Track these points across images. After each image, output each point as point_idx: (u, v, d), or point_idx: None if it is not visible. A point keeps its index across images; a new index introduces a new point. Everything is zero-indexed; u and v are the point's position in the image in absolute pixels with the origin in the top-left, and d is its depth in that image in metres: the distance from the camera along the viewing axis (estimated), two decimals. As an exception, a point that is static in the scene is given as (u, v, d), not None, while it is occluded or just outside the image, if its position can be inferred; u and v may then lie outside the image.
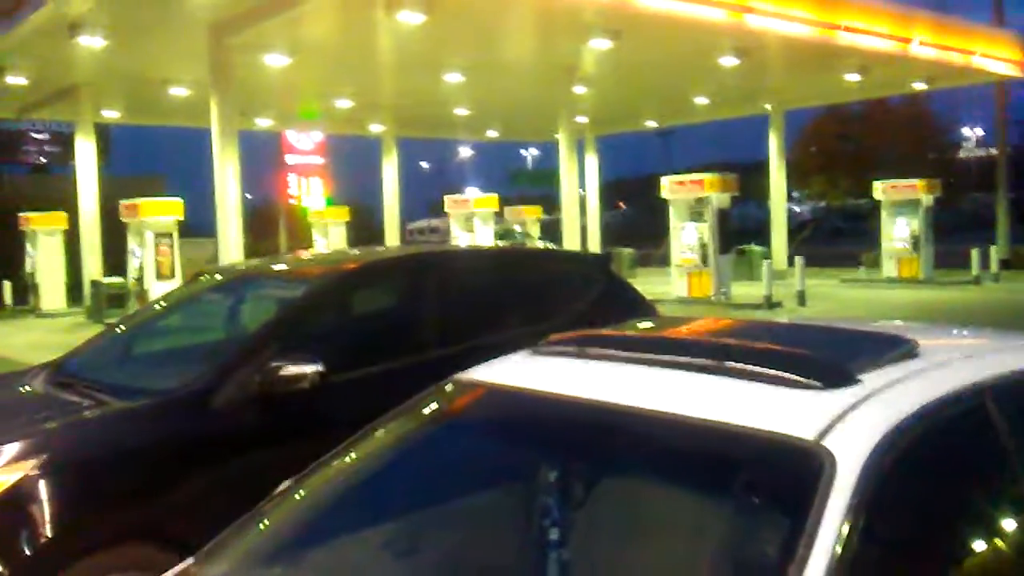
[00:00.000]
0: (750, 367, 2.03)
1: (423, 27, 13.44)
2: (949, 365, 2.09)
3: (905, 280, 20.70)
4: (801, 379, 1.94)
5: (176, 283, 16.69)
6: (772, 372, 1.99)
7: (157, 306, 5.28)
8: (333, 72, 18.63)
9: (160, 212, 17.48)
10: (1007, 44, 21.17)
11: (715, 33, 15.70)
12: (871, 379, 1.94)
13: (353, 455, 2.50)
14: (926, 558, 1.79)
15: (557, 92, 18.40)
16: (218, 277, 5.34)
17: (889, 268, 21.40)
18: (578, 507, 2.23)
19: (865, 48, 17.57)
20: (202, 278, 5.24)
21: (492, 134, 31.02)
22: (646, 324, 3.03)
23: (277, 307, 4.42)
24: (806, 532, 1.57)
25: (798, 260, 17.41)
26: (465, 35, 15.61)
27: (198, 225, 25.09)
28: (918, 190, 21.10)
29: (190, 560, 2.30)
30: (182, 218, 17.87)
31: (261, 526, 2.37)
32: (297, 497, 2.44)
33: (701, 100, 23.95)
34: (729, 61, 17.59)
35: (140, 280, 17.26)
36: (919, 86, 23.47)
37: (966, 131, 51.10)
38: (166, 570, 2.34)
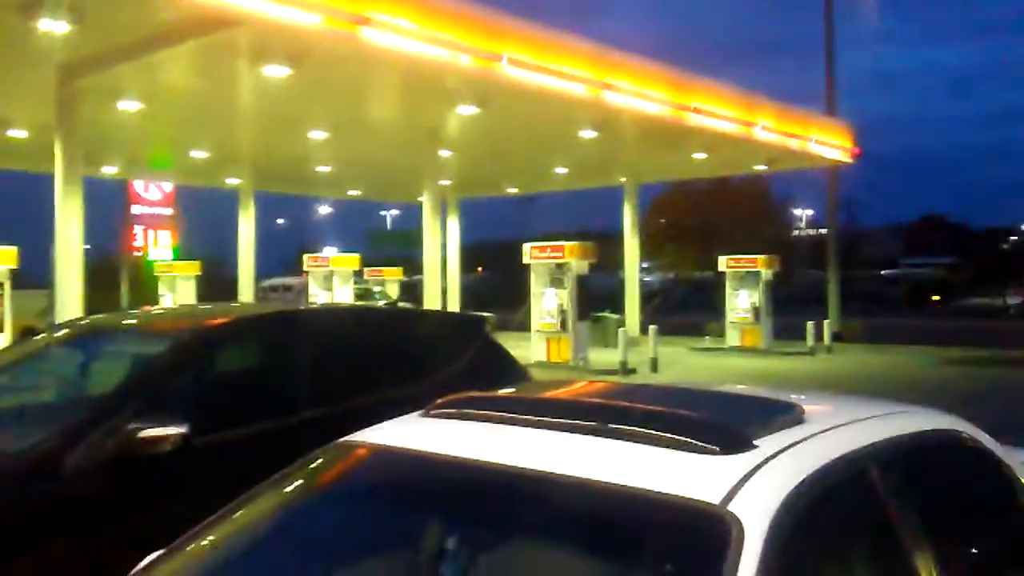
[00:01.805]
0: (648, 431, 2.04)
1: (287, 81, 13.27)
2: (835, 431, 2.18)
3: (748, 349, 21.78)
4: (699, 443, 1.97)
5: (4, 337, 15.45)
6: (671, 436, 2.01)
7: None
8: (190, 121, 18.04)
9: (-9, 260, 16.24)
10: (840, 133, 23.04)
11: (576, 107, 16.29)
12: (767, 444, 1.99)
13: (230, 524, 2.34)
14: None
15: (422, 155, 18.52)
16: (62, 332, 4.97)
17: (733, 337, 22.49)
18: (472, 573, 2.16)
19: (712, 129, 18.68)
20: (40, 336, 4.86)
21: (354, 193, 30.79)
22: (534, 387, 3.02)
23: (134, 364, 4.13)
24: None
25: (651, 328, 18.03)
26: (331, 93, 15.51)
27: (30, 276, 23.45)
28: (758, 265, 22.41)
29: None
30: (15, 267, 16.64)
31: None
32: (167, 571, 2.25)
33: (561, 170, 24.70)
34: (588, 134, 18.27)
35: (-37, 332, 15.87)
36: (760, 167, 25.10)
37: (798, 211, 55.00)
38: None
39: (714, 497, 1.78)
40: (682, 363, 18.84)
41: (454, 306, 26.83)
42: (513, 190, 31.70)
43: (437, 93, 15.25)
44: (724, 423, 2.08)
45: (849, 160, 23.65)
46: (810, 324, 21.38)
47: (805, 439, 2.06)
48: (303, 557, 2.34)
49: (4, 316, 16.04)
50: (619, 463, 1.98)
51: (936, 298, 48.19)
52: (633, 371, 16.71)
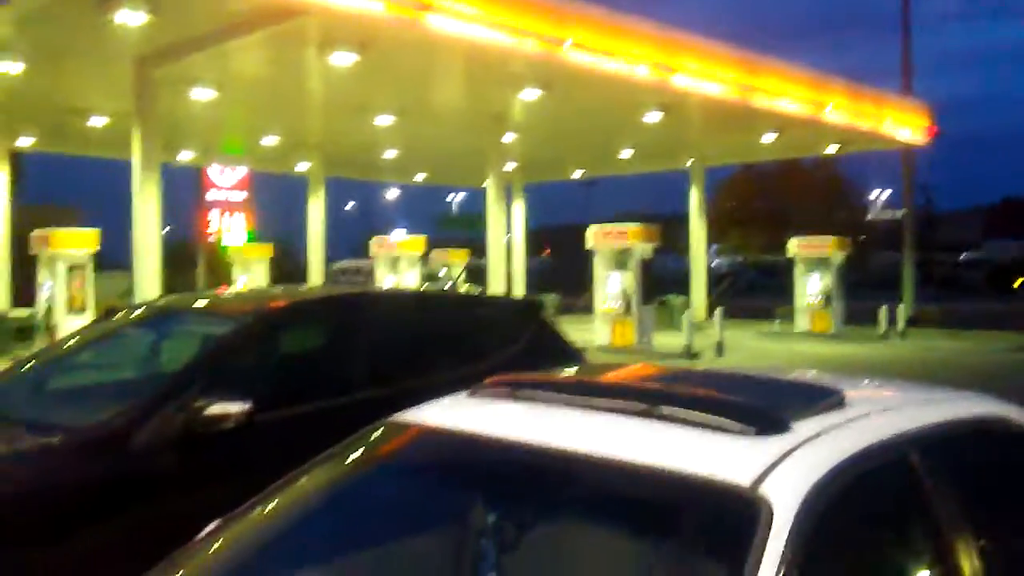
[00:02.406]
0: (686, 413, 2.08)
1: (355, 68, 13.48)
2: (875, 416, 2.17)
3: (817, 334, 21.37)
4: (736, 426, 1.99)
5: (88, 317, 16.10)
6: (707, 418, 2.03)
7: (73, 340, 5.09)
8: (261, 108, 18.48)
9: (74, 244, 16.91)
10: (915, 112, 22.35)
11: (641, 90, 16.16)
12: (803, 427, 2.00)
13: (283, 497, 2.45)
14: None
15: (486, 139, 18.61)
16: (138, 312, 5.19)
17: (802, 322, 22.07)
18: (513, 550, 2.23)
19: (781, 111, 18.32)
20: (119, 314, 5.09)
21: (420, 178, 31.09)
22: (581, 369, 3.06)
23: (203, 344, 4.31)
24: (747, 574, 1.60)
25: (717, 312, 17.83)
26: (396, 78, 15.70)
27: (113, 258, 24.34)
28: (829, 248, 21.92)
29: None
30: (97, 250, 17.31)
31: (187, 567, 2.29)
32: (223, 540, 2.37)
33: (626, 153, 24.53)
34: (653, 117, 18.11)
35: (49, 313, 16.59)
36: (831, 149, 24.52)
37: (874, 194, 53.59)
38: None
39: (745, 479, 1.81)
40: (749, 347, 18.60)
41: (519, 290, 26.95)
42: (578, 174, 31.60)
43: (501, 77, 15.30)
44: (761, 406, 2.10)
45: (924, 141, 22.92)
46: (883, 309, 20.86)
47: (842, 424, 2.06)
48: (349, 531, 2.44)
49: (87, 296, 16.69)
50: (656, 445, 2.02)
51: (1019, 282, 46.46)
52: (697, 355, 16.57)
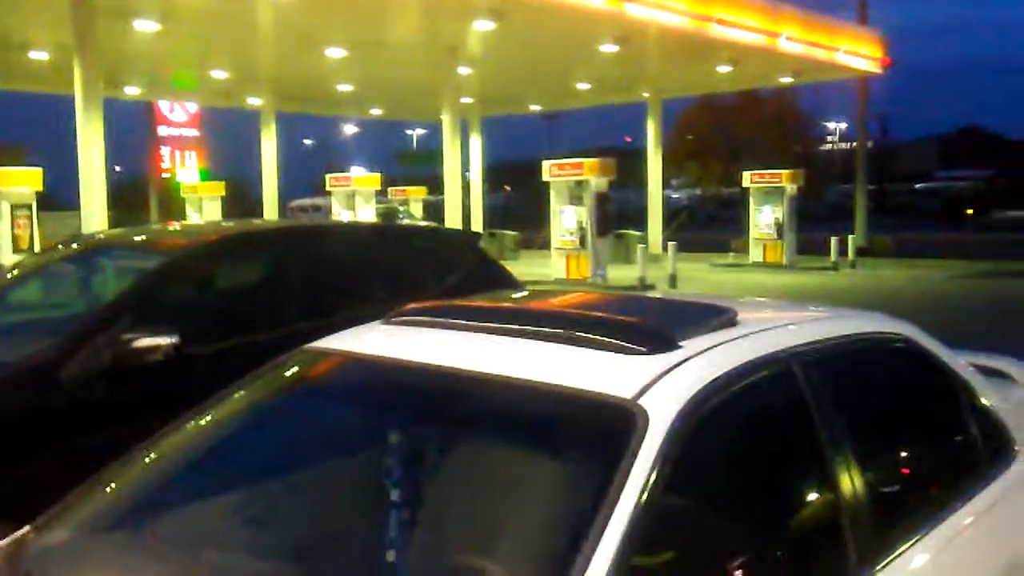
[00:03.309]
0: (583, 334, 2.15)
1: (303, -1, 13.17)
2: (761, 333, 2.26)
3: (770, 265, 21.71)
4: (627, 345, 2.07)
5: (35, 257, 15.82)
6: (602, 339, 2.11)
7: (6, 277, 5.05)
8: (208, 41, 18.00)
9: (17, 182, 16.49)
10: (869, 42, 22.40)
11: (596, 20, 15.99)
12: (691, 345, 2.09)
13: (200, 422, 2.50)
14: (728, 506, 1.95)
15: (441, 72, 18.35)
16: (72, 248, 5.15)
17: (756, 253, 22.40)
18: (425, 470, 2.31)
19: (736, 41, 18.27)
20: (57, 247, 5.03)
21: (376, 112, 30.65)
22: (493, 296, 3.13)
23: (131, 278, 4.30)
24: (617, 478, 1.70)
25: (670, 245, 18.02)
26: (348, 9, 15.37)
27: (66, 199, 23.85)
28: (783, 180, 22.13)
29: (26, 528, 2.26)
30: (41, 189, 16.92)
31: (102, 492, 2.35)
32: (141, 463, 2.42)
33: (583, 85, 24.36)
34: (609, 48, 17.97)
35: (-6, 254, 16.28)
36: (786, 79, 24.56)
37: (830, 125, 53.84)
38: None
39: (628, 392, 1.89)
40: (702, 279, 18.87)
41: (478, 225, 26.90)
42: (536, 107, 31.34)
43: (454, 8, 15.05)
44: (651, 325, 2.18)
45: (879, 71, 23.05)
46: (834, 239, 21.22)
47: (728, 340, 2.15)
48: (265, 458, 2.51)
49: (34, 236, 16.39)
50: (551, 363, 2.10)
51: (972, 211, 47.35)
52: (652, 287, 16.78)
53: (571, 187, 18.44)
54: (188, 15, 15.22)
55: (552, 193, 18.80)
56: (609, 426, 1.87)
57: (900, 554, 2.07)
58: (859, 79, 25.00)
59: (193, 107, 30.75)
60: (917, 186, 55.52)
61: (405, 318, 2.59)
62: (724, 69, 20.88)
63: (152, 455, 2.43)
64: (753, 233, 22.50)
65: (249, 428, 2.52)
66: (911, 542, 2.12)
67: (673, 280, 17.27)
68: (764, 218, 22.19)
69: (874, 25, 24.41)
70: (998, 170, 56.22)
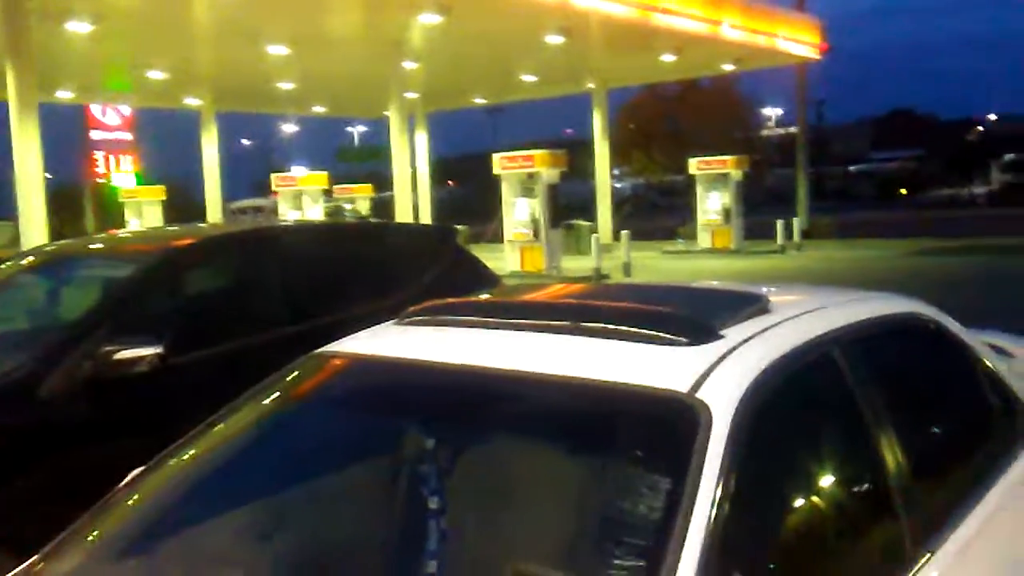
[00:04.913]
0: (618, 327, 2.08)
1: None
2: (799, 319, 2.22)
3: (719, 250, 21.97)
4: (667, 336, 2.00)
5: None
6: (639, 331, 2.04)
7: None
8: (143, 41, 17.49)
9: (-52, 192, 15.84)
10: (807, 28, 22.79)
11: (541, 11, 15.96)
12: (733, 334, 2.04)
13: (211, 437, 2.37)
14: (793, 494, 1.91)
15: (386, 67, 18.13)
16: (28, 259, 4.91)
17: (704, 239, 22.65)
18: (454, 474, 2.22)
19: (679, 29, 18.40)
20: (6, 263, 4.80)
21: (319, 109, 30.21)
22: (505, 291, 3.04)
23: (104, 288, 4.11)
24: (690, 478, 1.63)
25: (623, 234, 18.09)
26: (289, 4, 15.05)
27: (-8, 207, 23.03)
28: (728, 166, 22.41)
29: (34, 558, 2.11)
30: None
31: (111, 518, 2.20)
32: (151, 485, 2.28)
33: (529, 77, 24.33)
34: (554, 39, 17.94)
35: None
36: (728, 67, 24.85)
37: (767, 111, 54.69)
38: (4, 572, 2.14)
39: (683, 386, 1.83)
40: (654, 267, 19.01)
41: (426, 220, 26.70)
42: (481, 100, 31.23)
43: (400, 2, 14.85)
44: (691, 315, 2.12)
45: (817, 56, 23.47)
46: (780, 223, 21.55)
47: (770, 327, 2.10)
48: (285, 468, 2.39)
49: (-32, 249, 15.75)
50: (590, 359, 2.02)
51: (904, 191, 48.62)
52: (606, 277, 16.83)
53: (523, 179, 18.39)
54: (123, 15, 14.77)
55: (504, 186, 18.73)
56: (668, 422, 1.80)
57: (953, 532, 2.05)
58: (797, 65, 25.41)
59: (127, 110, 29.92)
60: (851, 168, 56.83)
61: (419, 317, 2.49)
62: (668, 58, 21.04)
63: (161, 477, 2.29)
64: (701, 219, 22.74)
65: (266, 439, 2.39)
66: (962, 519, 2.10)
67: (627, 269, 17.35)
68: (711, 204, 22.45)
69: (810, 11, 24.85)
70: (929, 150, 57.85)
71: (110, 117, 30.20)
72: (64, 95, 23.28)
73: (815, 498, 1.96)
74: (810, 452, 2.02)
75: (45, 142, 13.75)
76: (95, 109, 29.42)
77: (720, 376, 1.85)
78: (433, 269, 5.13)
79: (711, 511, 1.58)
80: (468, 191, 45.44)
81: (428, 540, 2.11)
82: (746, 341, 2.01)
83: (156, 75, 20.83)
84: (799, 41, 22.29)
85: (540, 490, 2.03)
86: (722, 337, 2.01)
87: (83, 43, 15.66)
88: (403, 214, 18.37)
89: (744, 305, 2.23)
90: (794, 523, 1.85)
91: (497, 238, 19.64)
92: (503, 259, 18.49)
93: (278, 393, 2.41)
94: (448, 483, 2.19)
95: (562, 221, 20.32)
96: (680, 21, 18.18)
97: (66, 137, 30.43)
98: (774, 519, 1.81)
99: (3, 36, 13.05)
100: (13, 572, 2.08)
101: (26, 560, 2.11)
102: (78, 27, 14.48)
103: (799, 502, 1.91)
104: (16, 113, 13.04)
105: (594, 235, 19.05)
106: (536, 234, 18.09)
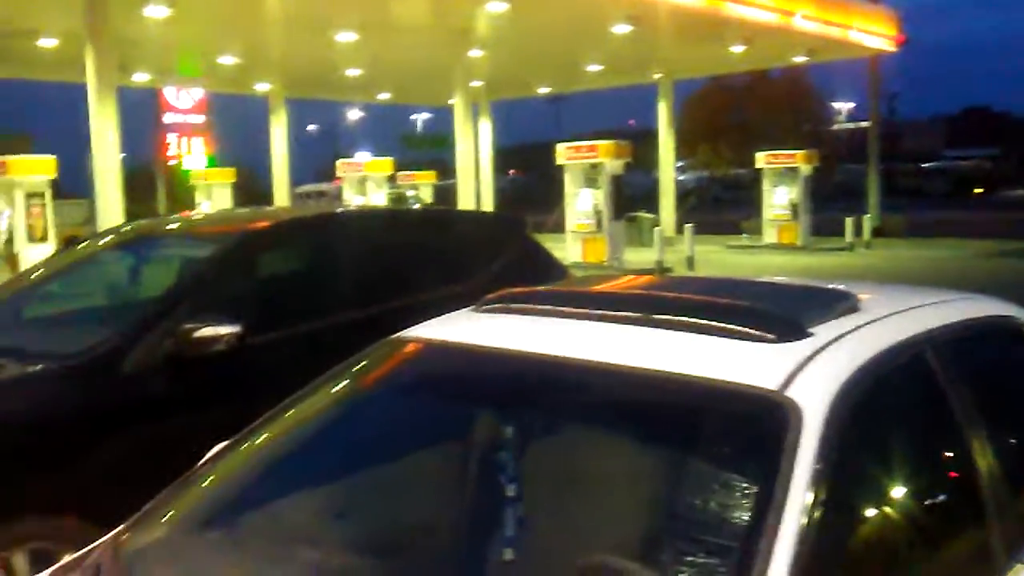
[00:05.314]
0: (702, 320, 2.04)
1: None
2: (890, 319, 2.16)
3: (785, 246, 21.58)
4: (754, 331, 1.96)
5: (49, 246, 15.73)
6: (724, 325, 2.00)
7: (43, 268, 4.94)
8: (217, 26, 17.81)
9: (32, 171, 16.35)
10: (883, 20, 22.17)
11: (609, 0, 15.81)
12: (822, 331, 1.99)
13: (289, 417, 2.41)
14: (883, 497, 1.86)
15: (452, 55, 18.17)
16: (109, 238, 5.04)
17: (770, 235, 22.26)
18: (529, 463, 2.21)
19: (750, 19, 18.05)
20: (87, 242, 4.94)
21: (384, 96, 30.43)
22: (584, 281, 3.02)
23: (186, 267, 4.20)
24: (780, 479, 1.59)
25: (687, 227, 17.89)
26: (358, -8, 15.19)
27: (69, 187, 23.72)
28: (797, 160, 21.97)
29: (118, 529, 2.17)
30: (55, 177, 16.80)
31: (195, 491, 2.26)
32: (231, 462, 2.33)
33: (594, 67, 24.14)
34: (621, 28, 17.76)
35: (10, 243, 16.16)
36: (800, 59, 24.33)
37: (838, 105, 53.43)
38: (86, 541, 2.20)
39: (771, 383, 1.79)
40: (718, 261, 18.75)
41: (488, 209, 26.75)
42: (545, 90, 31.11)
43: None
44: (779, 311, 2.08)
45: (893, 49, 22.83)
46: (849, 220, 21.07)
47: (861, 326, 2.05)
48: (361, 449, 2.42)
49: (47, 225, 16.28)
50: (674, 352, 1.99)
51: (979, 191, 47.11)
52: (669, 270, 16.66)
53: (586, 170, 18.29)
54: (198, 0, 15.04)
55: (567, 176, 18.66)
56: (756, 421, 1.77)
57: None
58: (870, 58, 24.76)
59: (199, 93, 30.52)
60: (924, 165, 55.24)
61: (498, 304, 2.48)
62: (738, 49, 20.66)
63: (243, 453, 2.33)
64: (767, 214, 22.35)
65: (343, 420, 2.42)
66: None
67: (691, 263, 17.16)
68: (778, 199, 22.04)
69: (887, 2, 24.18)
70: (1005, 149, 55.93)
71: (183, 100, 30.85)
72: (140, 78, 23.84)
73: (905, 502, 1.91)
74: (900, 455, 1.97)
75: (120, 123, 14.13)
76: (169, 92, 30.10)
77: (811, 375, 1.81)
78: (501, 258, 5.13)
79: (802, 514, 1.54)
80: (529, 180, 45.40)
81: (503, 526, 2.11)
82: (836, 340, 1.96)
83: (228, 60, 21.21)
84: (874, 33, 21.70)
85: (616, 482, 2.01)
86: (811, 335, 1.96)
87: (159, 28, 16.01)
88: (466, 202, 18.42)
89: (833, 303, 2.18)
90: (883, 527, 1.80)
91: (558, 228, 19.58)
92: (564, 250, 18.43)
93: (356, 376, 2.43)
94: (524, 471, 2.19)
95: (625, 213, 20.19)
96: (751, 11, 17.84)
97: (139, 118, 31.22)
98: (863, 522, 1.77)
99: (84, 20, 13.42)
100: (98, 542, 2.14)
101: (109, 532, 2.17)
102: (155, 11, 14.80)
103: (889, 506, 1.86)
104: (95, 96, 13.41)
105: (657, 228, 18.87)
106: (598, 225, 17.99)
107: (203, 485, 2.28)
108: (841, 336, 1.98)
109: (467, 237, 5.22)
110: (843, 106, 54.60)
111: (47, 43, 17.46)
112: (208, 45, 19.88)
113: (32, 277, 4.84)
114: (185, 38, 18.65)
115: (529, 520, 2.08)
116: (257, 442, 2.36)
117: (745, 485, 1.68)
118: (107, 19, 13.37)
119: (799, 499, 1.56)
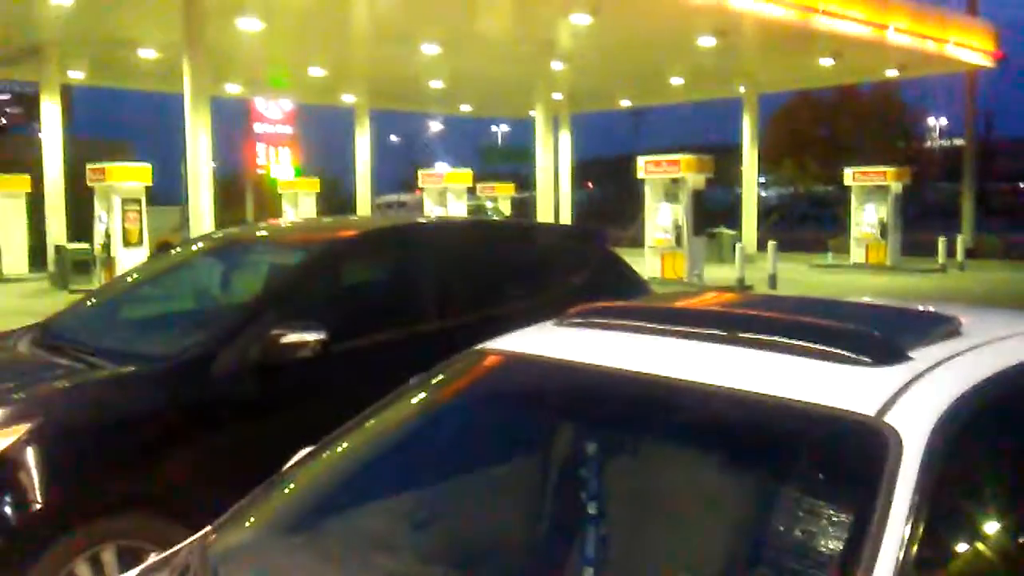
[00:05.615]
0: (795, 340, 1.98)
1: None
2: (994, 344, 2.06)
3: (873, 266, 20.96)
4: (849, 354, 1.90)
5: (143, 251, 16.36)
6: (817, 346, 1.94)
7: (138, 272, 5.12)
8: (308, 39, 18.30)
9: (129, 177, 17.06)
10: (980, 34, 21.42)
11: (695, 12, 15.66)
12: (922, 356, 1.91)
13: (373, 425, 2.43)
14: (982, 531, 1.77)
15: (534, 68, 18.28)
16: (201, 244, 5.20)
17: (857, 254, 21.66)
18: (610, 480, 2.18)
19: (842, 33, 17.65)
20: (181, 247, 5.10)
21: (466, 108, 30.78)
22: (671, 297, 2.97)
23: (274, 274, 4.30)
24: (878, 508, 1.53)
25: (770, 244, 17.53)
26: (443, 5, 15.39)
27: (161, 193, 24.59)
28: (887, 178, 21.34)
29: (207, 529, 2.21)
30: (150, 184, 17.47)
31: (280, 495, 2.29)
32: (316, 467, 2.36)
33: (677, 80, 23.95)
34: (707, 41, 17.58)
35: (107, 247, 16.85)
36: (892, 73, 23.67)
37: (931, 121, 51.75)
38: (171, 539, 2.26)
39: (869, 409, 1.72)
40: (802, 280, 18.32)
41: (566, 222, 26.73)
42: (626, 103, 30.99)
43: (549, 3, 14.92)
44: (876, 333, 2.00)
45: (991, 64, 22.02)
46: (942, 240, 20.35)
47: (964, 351, 1.96)
48: (441, 460, 2.42)
49: (143, 231, 16.92)
50: (764, 372, 1.93)
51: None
52: (750, 288, 16.35)
53: (667, 184, 18.12)
54: (290, 14, 15.49)
55: (647, 190, 18.51)
56: (853, 446, 1.70)
57: None
58: (966, 73, 23.94)
59: (288, 104, 31.37)
60: (1021, 185, 53.03)
61: (581, 318, 2.46)
62: (827, 62, 20.22)
63: (327, 459, 2.36)
64: (855, 233, 21.76)
65: (424, 430, 2.43)
66: None
67: (773, 281, 16.80)
68: (867, 217, 21.43)
69: (985, 17, 23.35)
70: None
71: (272, 111, 31.75)
72: (232, 89, 24.66)
73: (1006, 540, 1.81)
74: (1003, 489, 1.87)
75: (212, 134, 14.62)
76: (259, 103, 31.02)
77: (910, 401, 1.73)
78: (582, 271, 5.10)
79: (900, 545, 1.47)
80: (607, 193, 45.19)
81: (583, 544, 2.08)
82: (938, 365, 1.87)
83: (316, 72, 21.76)
84: (971, 48, 20.98)
85: (700, 505, 1.96)
86: (910, 359, 1.88)
87: (252, 40, 16.53)
88: (544, 214, 18.45)
89: (933, 326, 2.09)
90: (981, 564, 1.71)
91: (636, 243, 19.43)
92: (642, 264, 18.28)
93: (438, 386, 2.44)
94: (605, 489, 2.15)
95: (705, 228, 19.93)
96: (842, 24, 17.45)
97: (229, 128, 32.22)
98: (960, 559, 1.68)
99: (181, 32, 13.95)
100: (188, 541, 2.19)
101: (193, 531, 2.22)
102: (248, 24, 15.29)
103: (989, 543, 1.77)
104: (190, 105, 13.91)
105: (738, 244, 18.55)
106: (677, 240, 17.79)
107: (287, 490, 2.31)
108: (942, 361, 1.89)
109: (547, 250, 5.21)
110: (936, 122, 52.86)
111: (146, 54, 18.19)
112: (298, 58, 20.44)
113: (128, 281, 5.02)
114: (276, 51, 19.21)
115: (610, 539, 2.05)
116: (340, 449, 2.38)
117: (838, 514, 1.62)
118: (203, 32, 13.86)
119: (897, 531, 1.49)
